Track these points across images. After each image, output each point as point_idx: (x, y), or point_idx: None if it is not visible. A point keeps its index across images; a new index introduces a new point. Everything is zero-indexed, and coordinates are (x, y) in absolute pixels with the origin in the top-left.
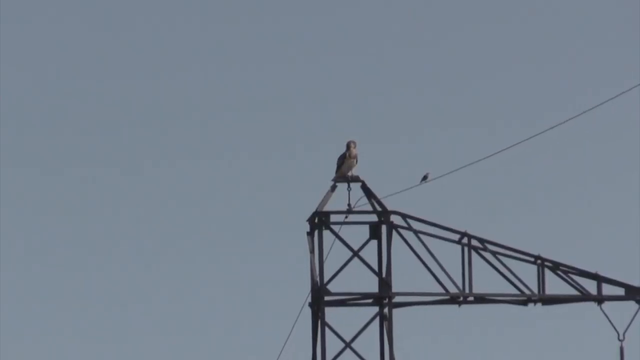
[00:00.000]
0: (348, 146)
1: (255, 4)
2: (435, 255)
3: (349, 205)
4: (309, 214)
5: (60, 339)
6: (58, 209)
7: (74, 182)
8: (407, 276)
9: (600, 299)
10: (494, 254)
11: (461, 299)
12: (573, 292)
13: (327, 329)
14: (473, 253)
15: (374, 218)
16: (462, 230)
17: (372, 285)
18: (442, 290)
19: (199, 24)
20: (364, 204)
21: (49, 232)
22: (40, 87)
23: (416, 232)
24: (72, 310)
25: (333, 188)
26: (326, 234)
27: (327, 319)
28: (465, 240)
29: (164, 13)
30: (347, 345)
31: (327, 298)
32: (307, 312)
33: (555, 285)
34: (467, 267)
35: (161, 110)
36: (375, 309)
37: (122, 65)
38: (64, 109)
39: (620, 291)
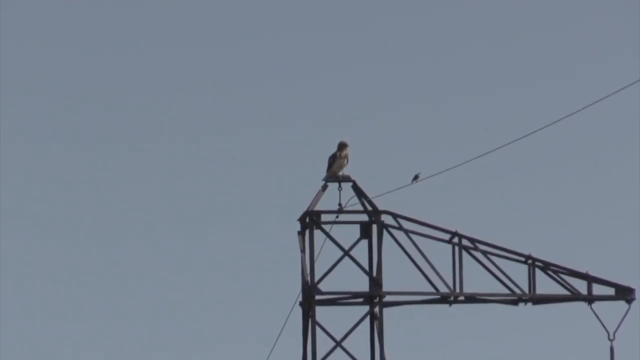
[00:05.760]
0: (339, 146)
1: (254, 7)
2: (426, 254)
3: (339, 204)
4: (300, 214)
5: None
6: (55, 212)
7: (71, 184)
8: (398, 275)
9: (590, 299)
10: (484, 253)
11: (452, 298)
12: (563, 291)
13: (317, 328)
14: (464, 252)
15: (364, 217)
16: (453, 229)
17: (362, 284)
18: (432, 290)
19: (197, 25)
20: (354, 203)
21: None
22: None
23: (407, 232)
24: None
25: (324, 188)
26: (317, 233)
27: (318, 318)
28: (456, 239)
29: (165, 12)
30: (338, 344)
31: (317, 297)
32: (298, 311)
33: (545, 285)
34: (457, 267)
35: (157, 114)
36: (366, 308)
37: (121, 62)
38: (68, 96)
39: (611, 291)
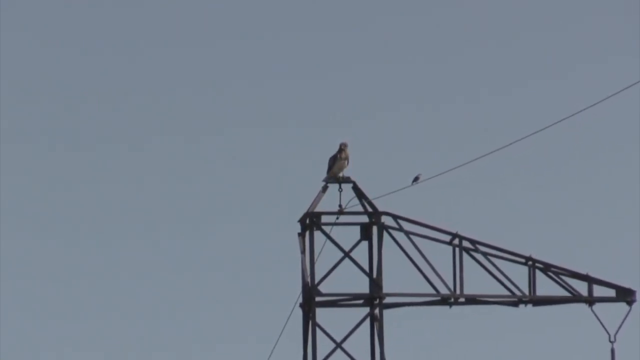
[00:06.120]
0: (340, 147)
1: (254, 7)
2: (426, 256)
3: (340, 206)
4: (300, 215)
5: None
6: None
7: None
8: (398, 277)
9: (591, 300)
10: (485, 255)
11: (452, 299)
12: (564, 293)
13: (318, 330)
14: (464, 254)
15: (365, 219)
16: (453, 231)
17: (363, 286)
18: (433, 291)
19: (197, 25)
20: (355, 204)
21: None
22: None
23: (407, 233)
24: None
25: (324, 189)
26: (317, 234)
27: (318, 320)
28: (456, 241)
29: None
30: (338, 345)
31: (318, 299)
32: (298, 312)
33: (546, 286)
34: (458, 268)
35: (157, 114)
36: (366, 310)
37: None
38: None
39: (611, 292)
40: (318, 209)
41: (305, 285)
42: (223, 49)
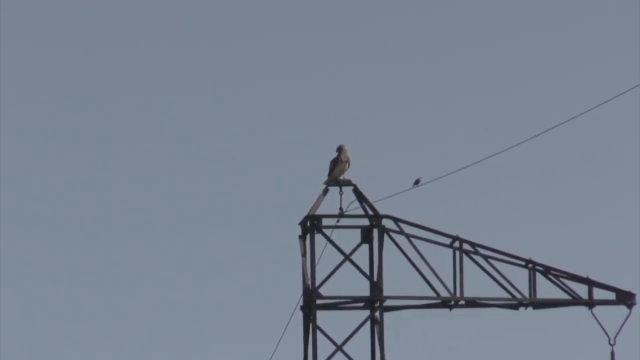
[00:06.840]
0: (340, 150)
1: (254, 7)
2: (427, 259)
3: (340, 208)
4: (300, 217)
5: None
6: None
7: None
8: (399, 280)
9: (591, 303)
10: (485, 257)
11: (452, 302)
12: (564, 296)
13: (318, 332)
14: (464, 257)
15: (365, 222)
16: (454, 234)
17: (363, 288)
18: (433, 294)
19: (196, 25)
20: (355, 207)
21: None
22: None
23: (408, 236)
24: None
25: (325, 192)
26: (318, 237)
27: (319, 323)
28: (456, 244)
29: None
30: (339, 348)
31: (318, 301)
32: (299, 315)
33: (546, 289)
34: (458, 271)
35: (157, 114)
36: (367, 313)
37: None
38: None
39: (611, 295)
40: (319, 211)
41: (305, 287)
42: (223, 49)
